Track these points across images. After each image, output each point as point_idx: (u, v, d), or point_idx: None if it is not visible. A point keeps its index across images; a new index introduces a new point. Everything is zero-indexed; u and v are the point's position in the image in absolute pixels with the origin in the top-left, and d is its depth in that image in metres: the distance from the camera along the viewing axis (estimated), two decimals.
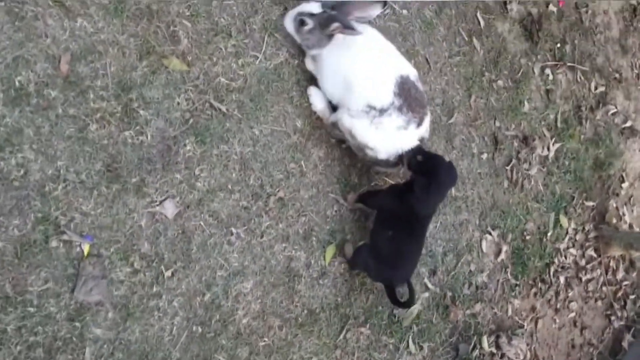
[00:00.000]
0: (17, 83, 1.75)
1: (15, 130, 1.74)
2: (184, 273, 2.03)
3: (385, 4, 2.10)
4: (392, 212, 2.18)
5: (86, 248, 1.84)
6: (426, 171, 2.07)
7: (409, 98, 2.03)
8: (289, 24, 2.13)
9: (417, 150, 2.10)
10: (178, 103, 2.02)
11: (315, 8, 2.06)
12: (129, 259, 1.92)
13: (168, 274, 1.99)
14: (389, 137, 2.07)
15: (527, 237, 2.93)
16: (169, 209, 1.99)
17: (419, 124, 2.10)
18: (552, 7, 3.11)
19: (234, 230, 2.13)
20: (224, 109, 2.11)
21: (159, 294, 1.97)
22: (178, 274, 2.01)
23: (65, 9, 1.81)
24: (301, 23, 2.06)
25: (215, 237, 2.09)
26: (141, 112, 1.95)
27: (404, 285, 2.29)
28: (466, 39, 2.77)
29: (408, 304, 2.30)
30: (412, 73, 2.10)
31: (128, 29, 1.93)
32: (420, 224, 2.21)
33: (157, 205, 1.97)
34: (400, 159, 2.12)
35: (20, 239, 1.75)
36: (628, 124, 3.41)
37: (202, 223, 2.07)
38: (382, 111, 2.02)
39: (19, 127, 1.75)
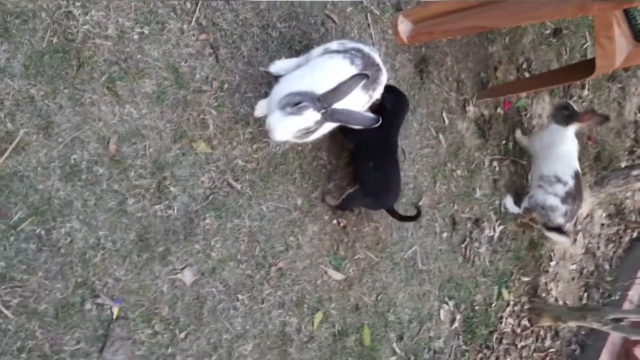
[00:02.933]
0: (72, 160, 1.95)
1: (66, 203, 1.93)
2: (195, 335, 2.23)
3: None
4: (367, 142, 2.55)
5: (116, 311, 2.01)
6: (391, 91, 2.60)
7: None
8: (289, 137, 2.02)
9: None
10: (202, 181, 2.28)
11: (315, 117, 1.94)
12: (151, 322, 2.11)
13: (182, 336, 2.18)
14: None
15: (476, 308, 3.36)
16: (188, 276, 2.21)
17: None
18: (499, 110, 3.68)
19: (239, 296, 2.37)
20: (238, 187, 2.38)
21: (174, 355, 2.16)
22: (190, 336, 2.21)
23: (117, 96, 2.05)
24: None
25: (224, 303, 2.32)
26: (171, 188, 2.19)
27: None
28: (434, 134, 3.23)
29: (417, 216, 2.75)
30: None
31: (166, 116, 2.19)
32: (392, 148, 2.63)
33: (178, 272, 2.19)
34: None
35: (61, 301, 1.91)
36: None
37: (214, 290, 2.29)
38: None
39: (69, 199, 1.94)
